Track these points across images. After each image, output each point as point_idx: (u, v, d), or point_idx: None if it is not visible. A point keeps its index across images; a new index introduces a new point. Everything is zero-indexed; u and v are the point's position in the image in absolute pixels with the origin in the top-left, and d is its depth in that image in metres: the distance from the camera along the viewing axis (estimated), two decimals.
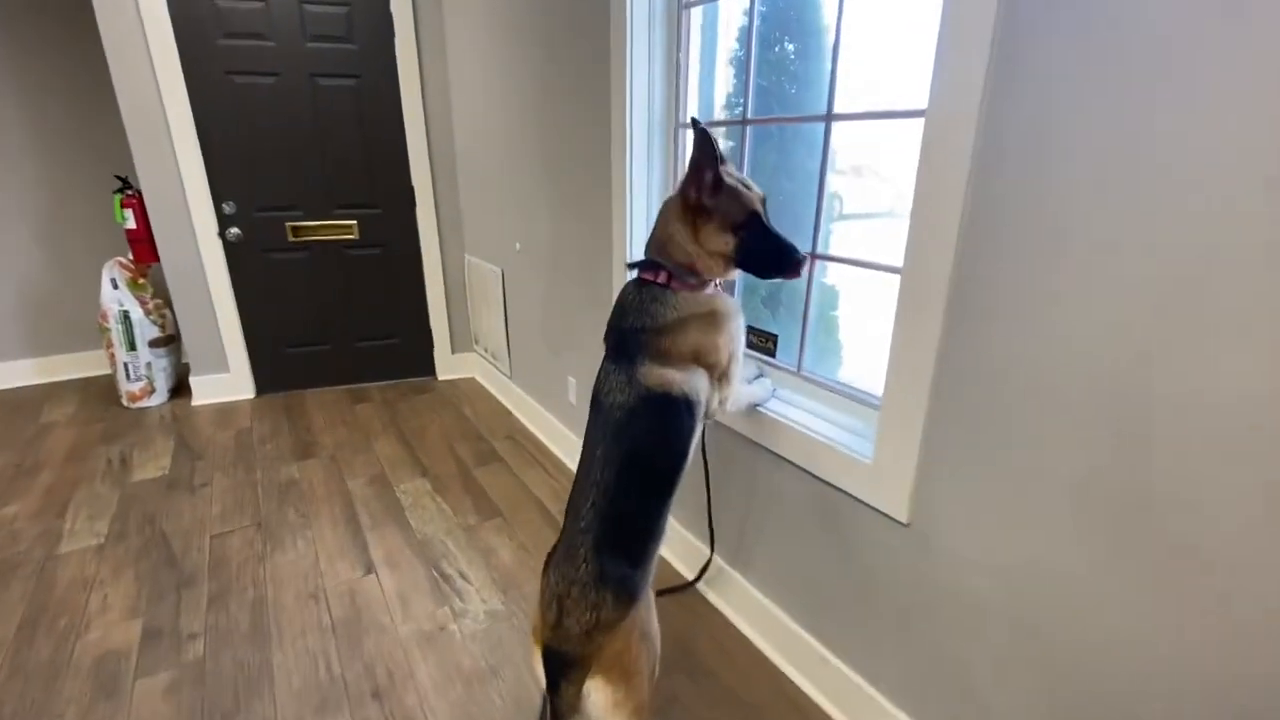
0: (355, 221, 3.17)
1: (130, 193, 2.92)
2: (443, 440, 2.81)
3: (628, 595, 1.05)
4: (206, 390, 3.19)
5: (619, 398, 1.12)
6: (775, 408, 1.50)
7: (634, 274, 1.22)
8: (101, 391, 3.33)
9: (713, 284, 1.22)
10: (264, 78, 2.84)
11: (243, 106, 2.85)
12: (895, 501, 1.21)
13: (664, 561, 1.92)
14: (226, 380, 3.21)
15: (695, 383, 1.15)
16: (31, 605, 1.81)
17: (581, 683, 1.03)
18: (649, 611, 1.12)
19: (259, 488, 2.43)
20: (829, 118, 1.33)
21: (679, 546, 1.92)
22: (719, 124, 1.66)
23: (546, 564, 1.13)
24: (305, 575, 1.94)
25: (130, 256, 3.04)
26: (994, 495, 1.03)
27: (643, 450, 1.11)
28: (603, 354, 1.22)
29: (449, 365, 3.55)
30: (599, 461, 1.10)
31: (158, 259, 2.94)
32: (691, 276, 1.17)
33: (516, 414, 3.07)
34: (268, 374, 3.30)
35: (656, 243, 1.20)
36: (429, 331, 3.47)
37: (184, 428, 2.93)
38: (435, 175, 3.22)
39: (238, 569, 1.97)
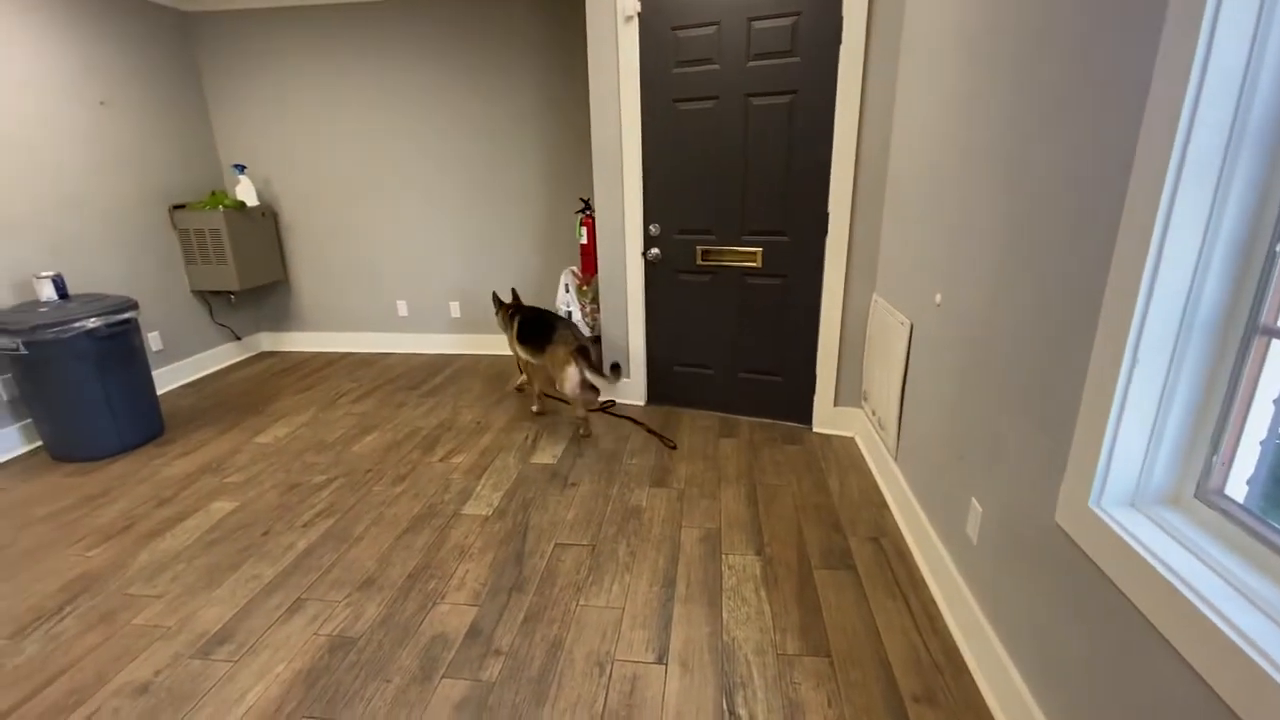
0: (761, 249, 2.98)
1: (589, 213, 3.37)
2: (793, 513, 2.38)
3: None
4: (609, 392, 3.52)
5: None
6: (1176, 560, 0.95)
7: None
8: None
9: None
10: (704, 102, 2.86)
11: (681, 132, 2.94)
12: None
13: None
14: (627, 386, 3.47)
15: None
16: (425, 557, 2.17)
17: (587, 357, 2.95)
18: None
19: (610, 505, 2.47)
20: None
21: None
22: None
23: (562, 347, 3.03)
24: (604, 632, 1.81)
25: (579, 267, 3.54)
26: None
27: None
28: None
29: (828, 418, 3.08)
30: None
31: (596, 271, 3.33)
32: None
33: (891, 507, 2.41)
34: (658, 387, 3.45)
35: None
36: (814, 375, 3.06)
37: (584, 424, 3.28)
38: (856, 201, 2.75)
39: (559, 592, 1.98)
